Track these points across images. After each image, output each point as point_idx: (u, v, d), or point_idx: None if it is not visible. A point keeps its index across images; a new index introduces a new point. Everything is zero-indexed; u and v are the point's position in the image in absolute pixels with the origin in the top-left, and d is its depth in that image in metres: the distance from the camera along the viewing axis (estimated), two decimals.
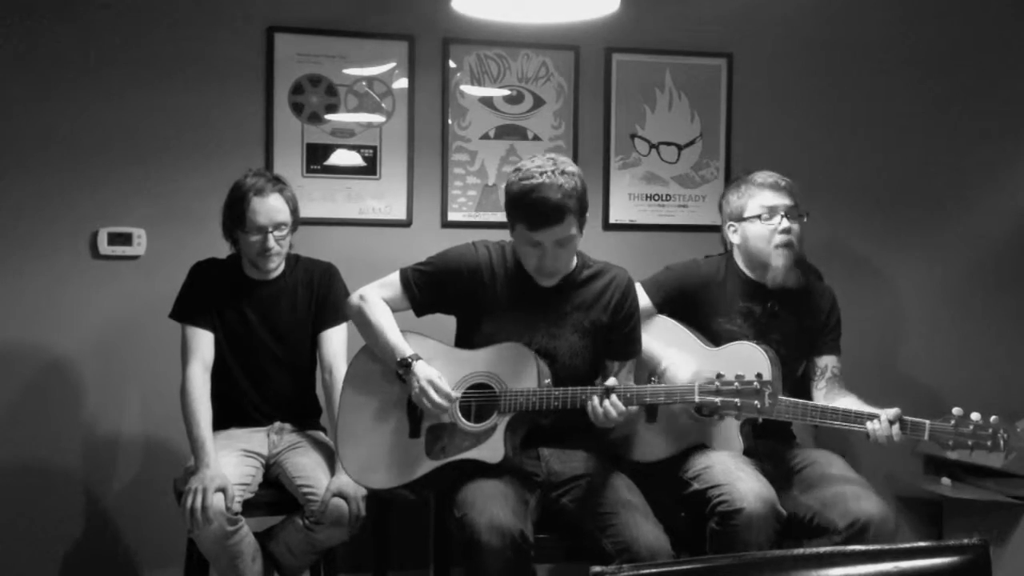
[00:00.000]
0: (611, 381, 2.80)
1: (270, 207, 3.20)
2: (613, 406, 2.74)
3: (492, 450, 2.82)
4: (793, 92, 4.22)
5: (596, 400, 2.76)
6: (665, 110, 4.14)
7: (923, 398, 4.04)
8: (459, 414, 2.87)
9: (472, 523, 2.66)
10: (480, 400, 2.87)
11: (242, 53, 3.76)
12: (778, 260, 3.19)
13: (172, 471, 3.36)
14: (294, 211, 3.27)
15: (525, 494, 2.85)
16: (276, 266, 3.28)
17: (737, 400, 2.70)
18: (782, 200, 3.20)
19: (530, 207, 2.77)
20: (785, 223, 3.19)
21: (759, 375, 2.72)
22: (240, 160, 3.57)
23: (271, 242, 3.20)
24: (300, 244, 3.41)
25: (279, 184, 3.26)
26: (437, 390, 2.82)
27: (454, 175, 3.96)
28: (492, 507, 2.68)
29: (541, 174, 2.78)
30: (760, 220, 3.20)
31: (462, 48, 3.95)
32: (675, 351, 3.11)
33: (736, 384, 2.71)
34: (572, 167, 2.85)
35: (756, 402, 2.70)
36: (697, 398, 2.76)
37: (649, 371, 3.13)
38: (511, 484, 2.82)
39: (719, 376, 2.75)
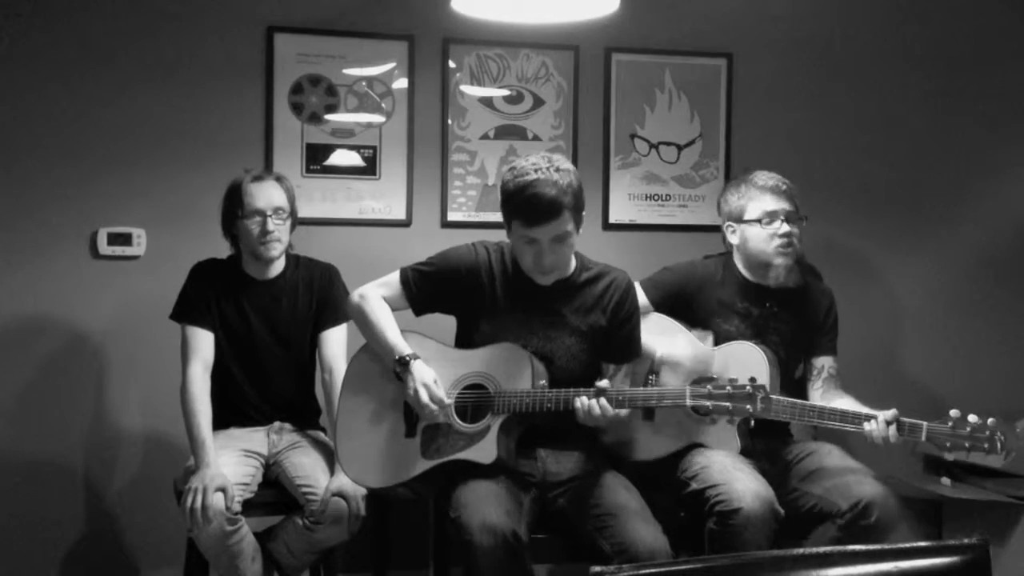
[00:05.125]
0: (603, 383, 2.80)
1: (267, 192, 3.24)
2: (601, 408, 2.75)
3: (485, 451, 2.82)
4: (793, 92, 4.22)
5: (585, 399, 2.77)
6: (665, 110, 4.14)
7: (921, 398, 4.04)
8: (454, 415, 2.87)
9: (465, 524, 2.67)
10: (475, 401, 2.88)
11: (242, 53, 3.76)
12: (778, 259, 3.20)
13: (172, 471, 3.35)
14: (292, 201, 3.29)
15: (520, 494, 2.85)
16: (279, 254, 3.28)
17: (729, 404, 2.72)
18: (782, 205, 3.20)
19: (525, 203, 2.77)
20: (785, 227, 3.19)
21: (752, 379, 2.73)
22: (240, 160, 3.57)
23: (270, 225, 3.21)
24: (300, 244, 3.41)
25: (277, 175, 3.32)
26: (431, 395, 2.82)
27: (454, 175, 3.96)
28: (485, 508, 2.69)
29: (536, 171, 2.78)
30: (760, 224, 3.20)
31: (462, 48, 3.95)
32: (667, 338, 3.12)
33: (728, 388, 2.72)
34: (567, 164, 2.85)
35: (748, 406, 2.71)
36: (688, 402, 2.79)
37: (648, 366, 3.13)
38: (505, 484, 2.82)
39: (711, 379, 2.76)
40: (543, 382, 2.84)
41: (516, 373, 2.84)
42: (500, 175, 3.88)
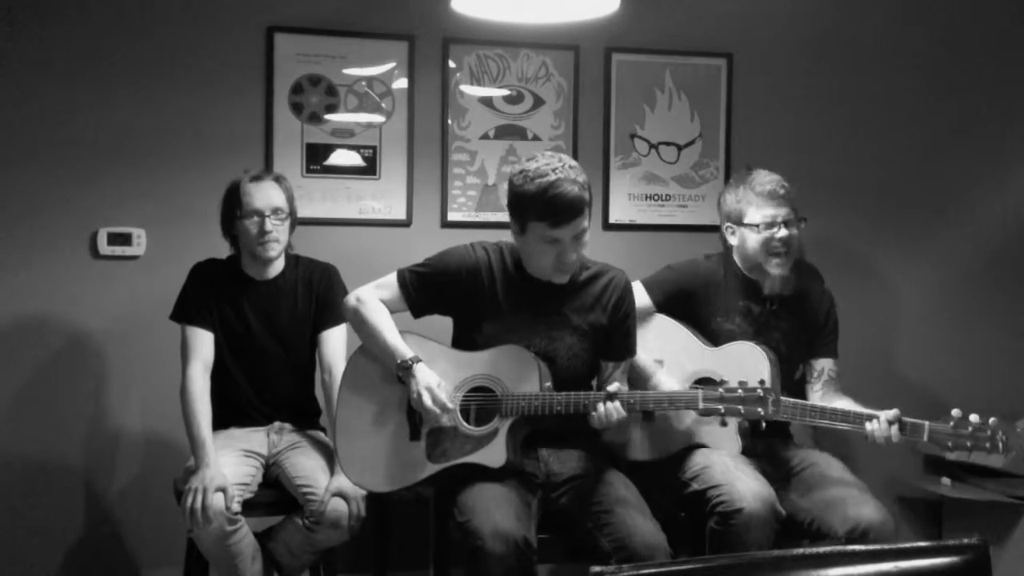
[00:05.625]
0: (613, 387, 2.80)
1: (266, 192, 3.24)
2: (615, 410, 2.75)
3: (494, 454, 2.81)
4: (793, 92, 4.22)
5: (601, 406, 2.76)
6: (665, 110, 4.14)
7: (921, 398, 4.04)
8: (460, 417, 2.86)
9: (475, 529, 2.65)
10: (481, 403, 2.87)
11: (242, 53, 3.76)
12: (775, 269, 3.20)
13: (172, 471, 3.35)
14: (291, 201, 3.29)
15: (528, 497, 2.84)
16: (277, 255, 3.28)
17: (741, 408, 2.71)
18: (780, 209, 3.20)
19: (550, 204, 2.75)
20: (783, 232, 3.19)
21: (762, 381, 2.73)
22: (240, 160, 3.57)
23: (268, 225, 3.21)
24: (300, 244, 3.41)
25: (276, 175, 3.32)
26: (434, 399, 2.81)
27: (454, 175, 3.96)
28: (496, 513, 2.67)
29: (554, 171, 2.77)
30: (758, 229, 3.20)
31: (462, 48, 3.95)
32: (664, 372, 3.12)
33: (740, 391, 2.71)
34: (574, 162, 2.86)
35: (760, 409, 2.70)
36: (701, 405, 2.77)
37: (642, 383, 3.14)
38: (513, 488, 2.80)
39: (722, 382, 2.75)
40: (548, 384, 2.84)
41: (522, 375, 2.83)
42: (500, 176, 3.91)
